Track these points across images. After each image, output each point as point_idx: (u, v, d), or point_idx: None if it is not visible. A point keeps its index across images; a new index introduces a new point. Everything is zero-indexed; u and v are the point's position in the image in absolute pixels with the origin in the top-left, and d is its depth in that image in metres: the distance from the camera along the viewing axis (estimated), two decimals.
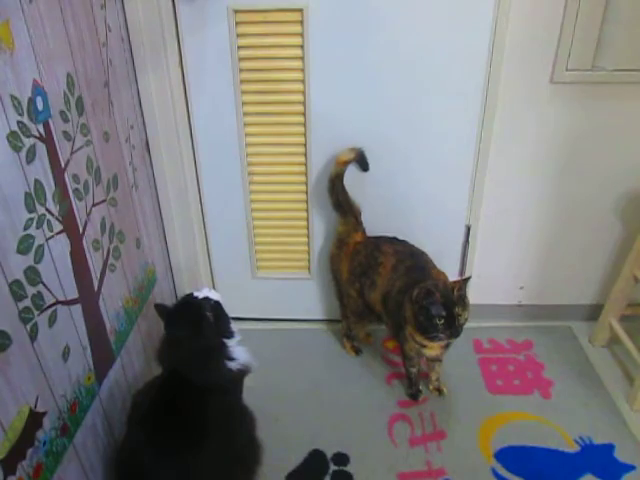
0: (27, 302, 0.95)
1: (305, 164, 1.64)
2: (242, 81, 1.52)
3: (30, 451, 0.96)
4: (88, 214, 1.19)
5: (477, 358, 1.76)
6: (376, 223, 1.65)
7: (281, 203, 1.74)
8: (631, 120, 1.55)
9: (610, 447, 1.45)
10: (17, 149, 0.93)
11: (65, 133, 1.09)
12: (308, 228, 1.76)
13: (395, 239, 1.60)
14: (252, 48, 1.48)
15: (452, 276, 1.82)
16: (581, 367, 1.71)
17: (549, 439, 1.48)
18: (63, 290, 1.08)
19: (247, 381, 1.33)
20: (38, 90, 0.99)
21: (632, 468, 1.40)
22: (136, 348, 1.46)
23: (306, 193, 1.70)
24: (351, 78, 1.50)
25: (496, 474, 1.39)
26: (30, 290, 0.96)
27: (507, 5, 1.39)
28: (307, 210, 1.73)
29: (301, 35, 1.44)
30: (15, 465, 0.92)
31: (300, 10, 1.41)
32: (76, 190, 1.13)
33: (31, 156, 0.97)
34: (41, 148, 1.00)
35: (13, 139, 0.92)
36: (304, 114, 1.55)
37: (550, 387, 1.64)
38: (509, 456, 1.43)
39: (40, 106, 1.00)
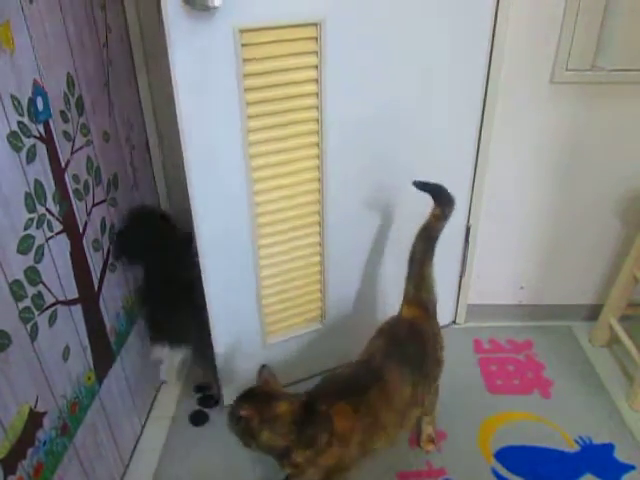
0: (27, 302, 0.96)
1: (320, 201, 1.43)
2: (249, 117, 1.23)
3: (30, 451, 0.96)
4: (88, 214, 1.19)
5: (477, 358, 1.76)
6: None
7: (293, 252, 1.46)
8: (631, 120, 1.55)
9: (610, 447, 1.45)
10: (17, 149, 0.93)
11: (65, 133, 1.09)
12: (322, 273, 1.54)
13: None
14: (261, 75, 1.21)
15: (452, 276, 1.83)
16: (581, 367, 1.71)
17: (549, 439, 1.47)
18: (63, 290, 1.08)
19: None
20: (38, 90, 0.99)
21: (632, 468, 1.40)
22: (136, 348, 1.46)
23: (320, 235, 1.47)
24: (371, 97, 1.36)
25: (496, 474, 1.39)
26: (30, 290, 0.96)
27: (507, 5, 1.39)
28: (321, 254, 1.50)
29: (316, 54, 1.24)
30: (15, 465, 0.92)
31: (315, 25, 1.21)
32: (76, 190, 1.13)
33: (31, 156, 0.97)
34: (41, 148, 1.00)
35: (13, 139, 0.92)
36: (319, 144, 1.35)
37: (550, 387, 1.64)
38: (509, 456, 1.43)
39: (40, 106, 1.00)
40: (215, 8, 1.05)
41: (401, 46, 1.36)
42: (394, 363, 1.21)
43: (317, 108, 1.30)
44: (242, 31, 1.14)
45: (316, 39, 1.22)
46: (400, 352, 1.23)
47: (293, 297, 1.54)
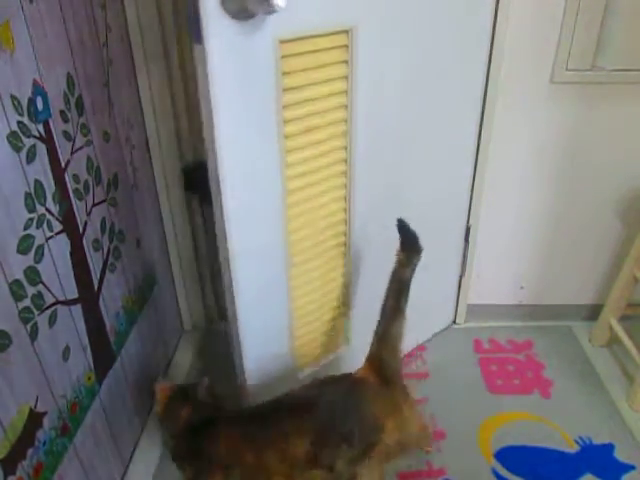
0: (27, 302, 0.95)
1: (346, 221, 1.38)
2: (287, 136, 1.12)
3: (30, 451, 0.96)
4: (88, 214, 1.19)
5: (477, 358, 1.76)
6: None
7: (324, 276, 1.39)
8: (631, 120, 1.55)
9: (610, 447, 1.45)
10: (17, 149, 0.93)
11: (65, 133, 1.09)
12: (347, 296, 1.48)
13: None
14: (297, 90, 1.11)
15: (452, 276, 1.83)
16: (581, 367, 1.71)
17: (549, 439, 1.48)
18: (63, 290, 1.08)
19: None
20: (38, 90, 0.99)
21: (632, 468, 1.40)
22: (136, 348, 1.46)
23: (345, 255, 1.42)
24: (391, 105, 1.31)
25: (496, 474, 1.39)
26: (30, 290, 0.96)
27: (507, 4, 1.39)
28: (345, 275, 1.44)
29: (346, 63, 1.15)
30: (15, 465, 0.92)
31: (346, 32, 1.11)
32: (76, 190, 1.13)
33: (31, 156, 0.97)
34: (41, 148, 1.00)
35: (13, 139, 0.92)
36: (347, 160, 1.27)
37: (550, 387, 1.64)
38: (509, 456, 1.43)
39: (40, 106, 1.00)
40: (275, 12, 0.91)
41: (417, 49, 1.33)
42: (295, 412, 1.13)
43: (346, 121, 1.22)
44: (282, 42, 1.03)
45: (347, 47, 1.13)
46: (309, 404, 1.13)
47: (323, 323, 1.47)
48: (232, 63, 0.99)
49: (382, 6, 1.19)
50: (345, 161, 1.28)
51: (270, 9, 0.89)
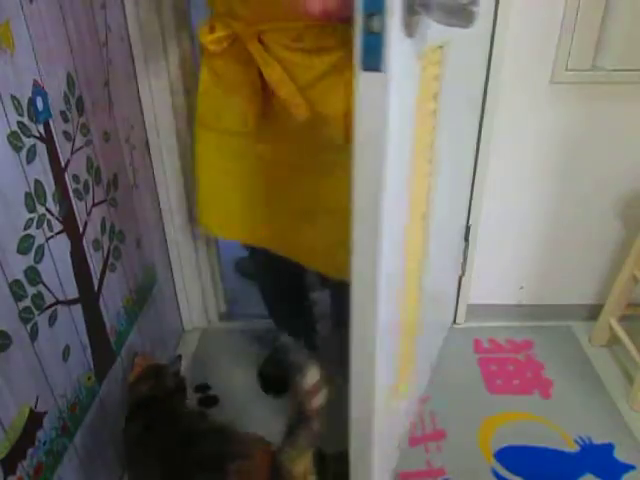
0: (27, 302, 0.96)
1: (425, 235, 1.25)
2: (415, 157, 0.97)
3: (30, 451, 0.96)
4: (88, 214, 1.19)
5: (477, 358, 1.76)
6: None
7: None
8: (631, 120, 1.55)
9: (610, 447, 1.45)
10: (17, 149, 0.93)
11: (65, 133, 1.09)
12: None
13: None
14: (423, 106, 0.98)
15: (452, 276, 1.83)
16: (581, 367, 1.71)
17: (549, 439, 1.47)
18: (63, 290, 1.08)
19: None
20: (38, 90, 0.99)
21: (632, 468, 1.40)
22: (136, 348, 1.46)
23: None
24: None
25: (496, 474, 1.39)
26: (30, 290, 0.96)
27: (507, 5, 1.39)
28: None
29: (437, 80, 1.02)
30: (15, 465, 0.92)
31: (441, 47, 0.98)
32: (76, 190, 1.13)
33: (31, 156, 0.97)
34: (41, 148, 1.00)
35: (13, 139, 0.92)
36: (430, 187, 1.13)
37: (550, 387, 1.64)
38: (509, 456, 1.43)
39: (40, 106, 1.00)
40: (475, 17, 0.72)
41: (470, 56, 1.27)
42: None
43: (431, 147, 1.08)
44: (419, 57, 0.87)
45: (439, 63, 1.00)
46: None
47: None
48: (401, 88, 0.78)
49: None
50: (429, 189, 1.14)
51: (467, 22, 0.70)
